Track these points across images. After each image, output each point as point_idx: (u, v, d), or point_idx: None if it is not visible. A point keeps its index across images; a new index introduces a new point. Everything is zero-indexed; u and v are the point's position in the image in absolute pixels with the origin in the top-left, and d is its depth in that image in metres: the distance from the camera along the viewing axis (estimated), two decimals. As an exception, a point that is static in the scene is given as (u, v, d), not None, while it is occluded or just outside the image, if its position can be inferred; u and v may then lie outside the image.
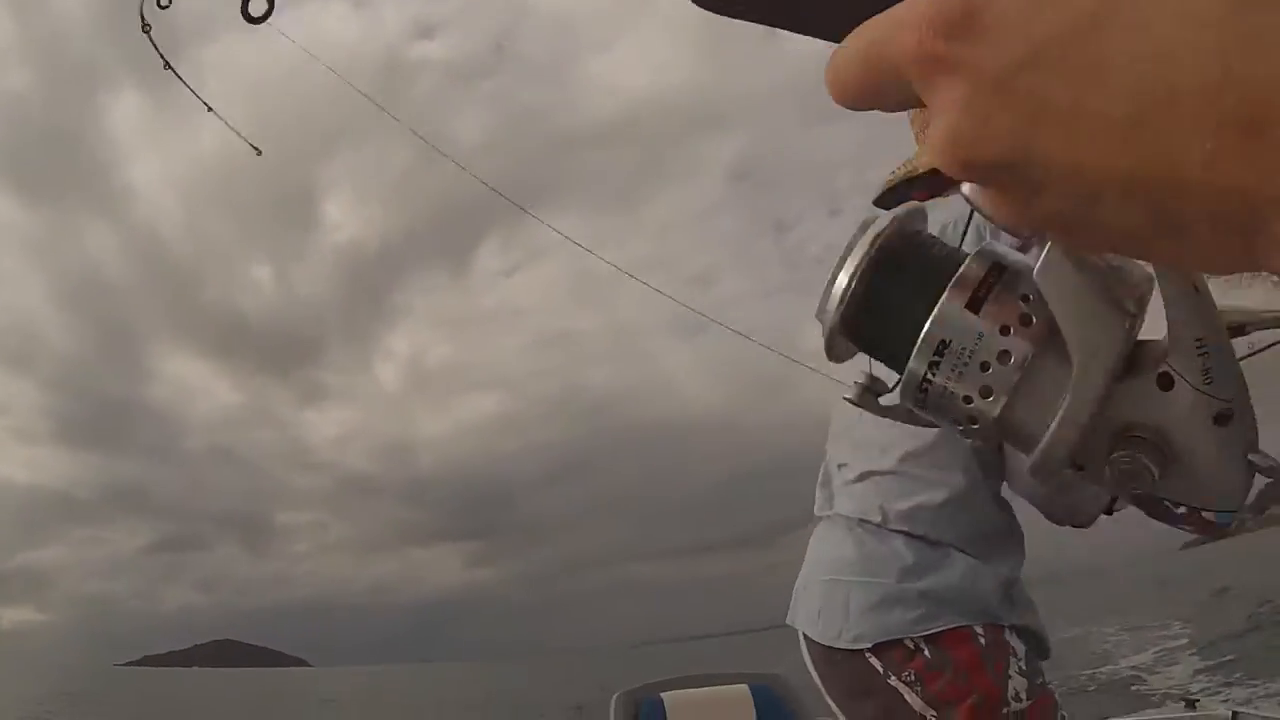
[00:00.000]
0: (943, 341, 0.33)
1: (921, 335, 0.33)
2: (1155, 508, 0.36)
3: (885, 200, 1.54)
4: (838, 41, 0.27)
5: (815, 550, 1.42)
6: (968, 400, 0.33)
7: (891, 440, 1.32)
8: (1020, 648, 1.23)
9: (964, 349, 0.33)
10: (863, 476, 1.34)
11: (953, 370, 0.33)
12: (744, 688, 1.90)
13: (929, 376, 0.33)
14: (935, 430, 1.32)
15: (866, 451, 1.35)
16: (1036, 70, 0.22)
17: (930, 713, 1.19)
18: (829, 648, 1.30)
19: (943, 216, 1.40)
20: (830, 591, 1.32)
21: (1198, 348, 0.31)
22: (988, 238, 1.29)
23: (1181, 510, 0.34)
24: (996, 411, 0.33)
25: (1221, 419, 0.31)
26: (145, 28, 1.03)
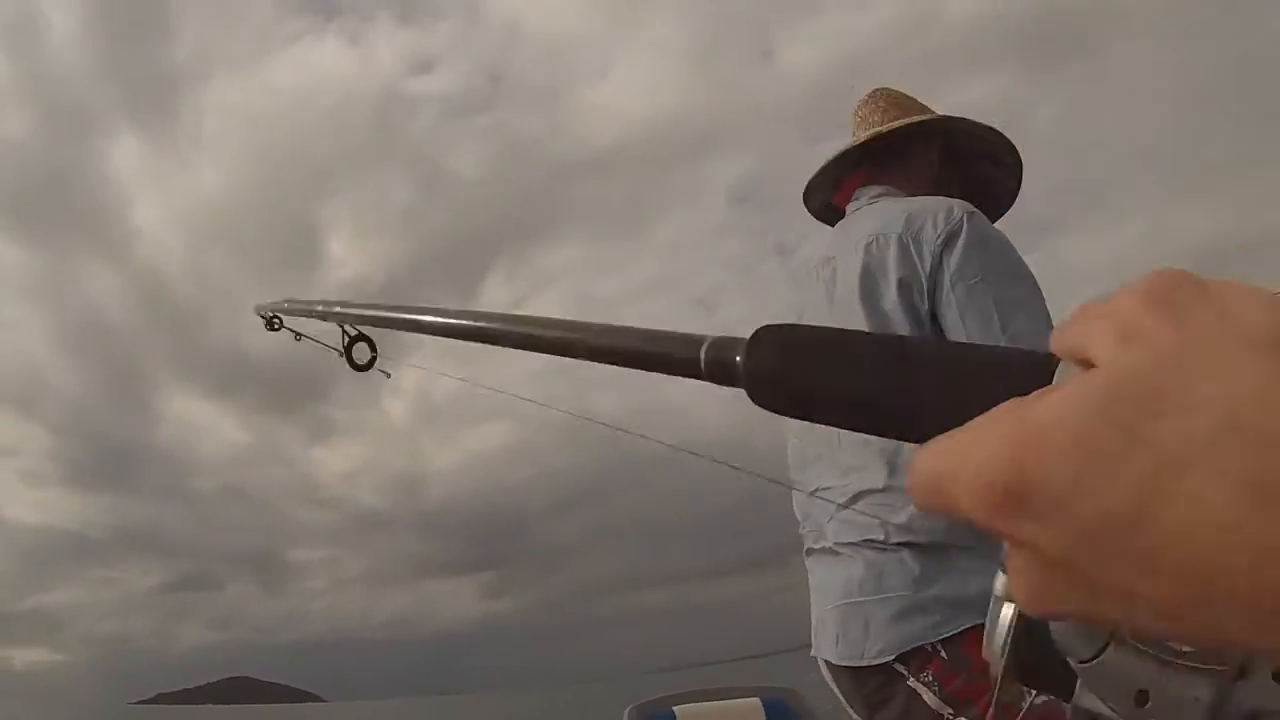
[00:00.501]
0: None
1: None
2: None
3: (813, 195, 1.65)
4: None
5: (820, 581, 1.42)
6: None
7: (874, 458, 1.33)
8: None
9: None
10: (857, 498, 1.34)
11: None
12: (756, 701, 1.90)
13: None
14: (912, 445, 1.35)
15: (857, 474, 1.35)
16: (1089, 553, 0.25)
17: (947, 710, 1.21)
18: (854, 668, 1.30)
19: (870, 227, 1.40)
20: (847, 615, 1.33)
21: None
22: (924, 260, 1.30)
23: None
24: None
25: None
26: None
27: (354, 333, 0.81)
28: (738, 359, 0.40)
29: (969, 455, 0.25)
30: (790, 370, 0.37)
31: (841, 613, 1.33)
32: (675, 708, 1.86)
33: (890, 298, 1.33)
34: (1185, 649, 0.30)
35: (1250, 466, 0.23)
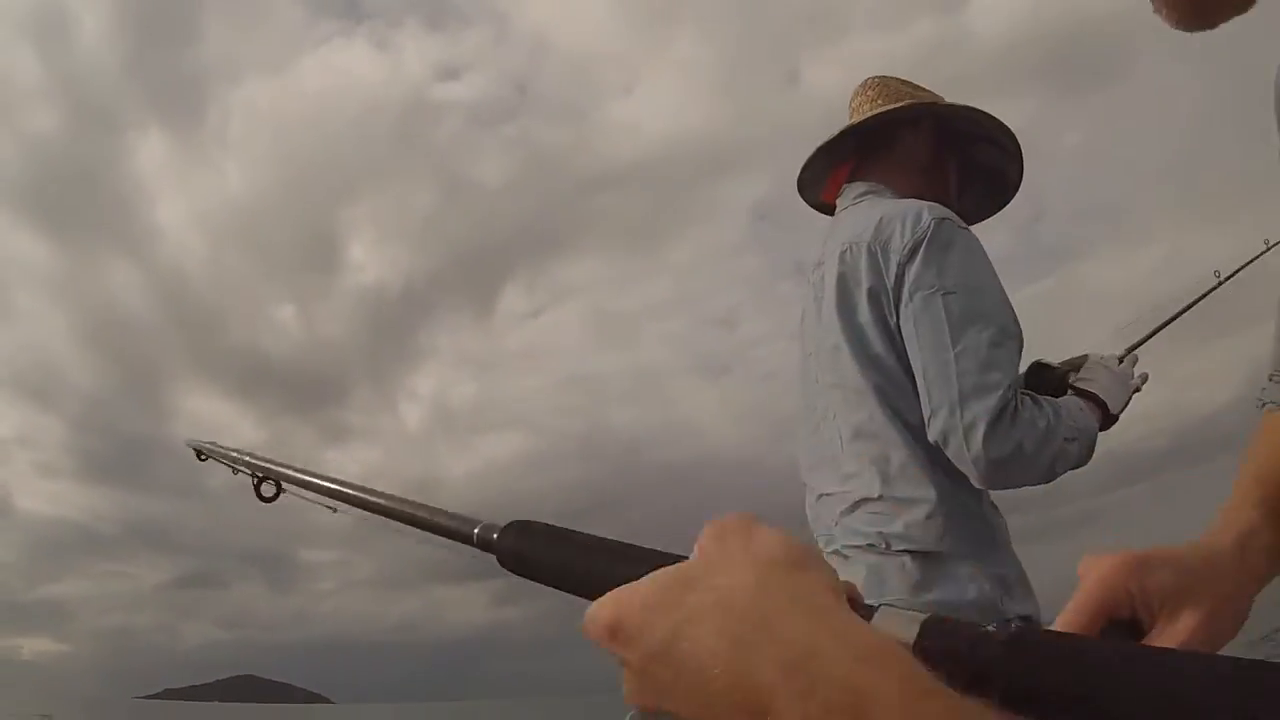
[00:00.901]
0: None
1: None
2: None
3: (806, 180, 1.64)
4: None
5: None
6: None
7: (867, 466, 1.34)
8: None
9: None
10: (856, 506, 1.35)
11: None
12: None
13: None
14: (905, 452, 1.28)
15: (855, 480, 1.36)
16: (654, 663, 0.40)
17: None
18: None
19: (846, 235, 1.40)
20: None
21: None
22: (890, 269, 1.30)
23: None
24: None
25: None
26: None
27: (261, 476, 1.00)
28: (494, 537, 0.60)
29: (598, 606, 0.44)
30: (524, 551, 0.58)
31: None
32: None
33: (864, 309, 1.34)
34: None
35: (730, 625, 0.41)
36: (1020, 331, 1.29)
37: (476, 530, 0.63)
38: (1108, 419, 1.37)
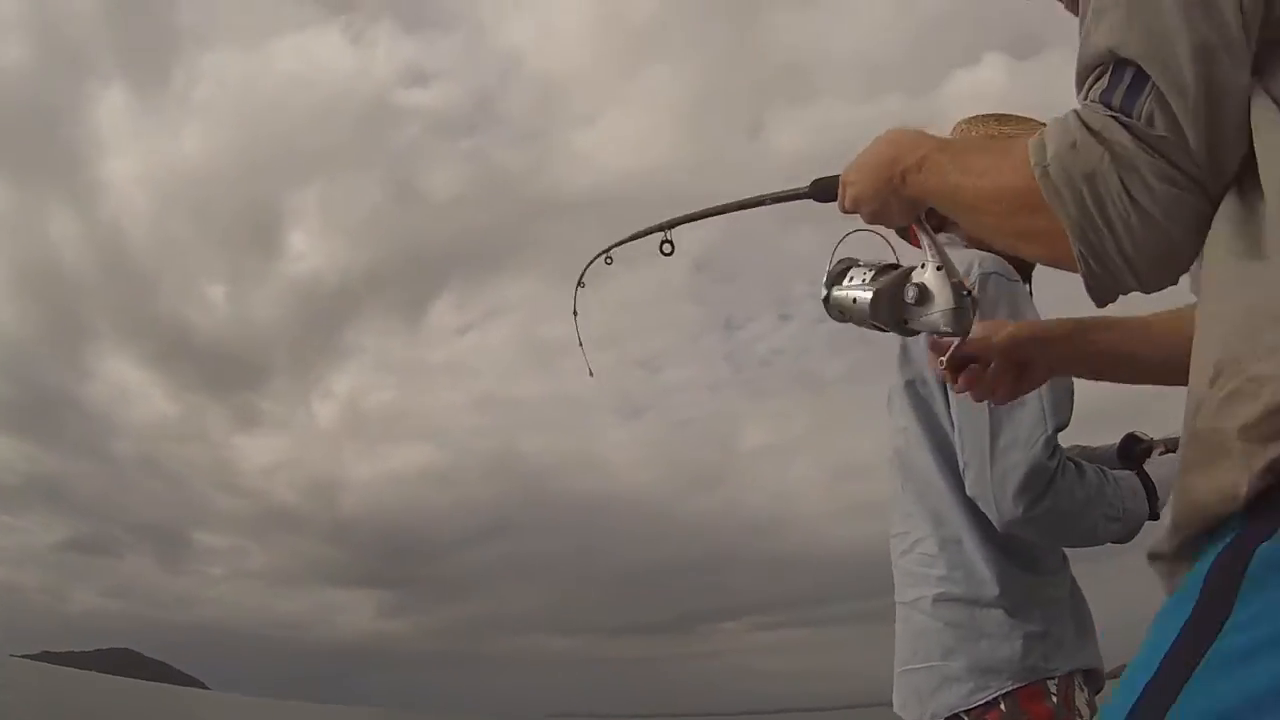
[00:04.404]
0: None
1: None
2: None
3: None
4: None
5: (896, 638, 1.49)
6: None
7: (920, 508, 1.43)
8: (1085, 693, 1.32)
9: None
10: (912, 547, 1.44)
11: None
12: None
13: None
14: (950, 498, 1.38)
15: (911, 521, 1.45)
16: (849, 176, 0.96)
17: None
18: None
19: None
20: (903, 682, 1.44)
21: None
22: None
23: None
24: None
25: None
26: (581, 283, 1.35)
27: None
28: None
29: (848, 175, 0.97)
30: None
31: (901, 680, 1.44)
32: None
33: (919, 355, 1.43)
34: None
35: (871, 154, 0.92)
36: (1068, 387, 1.31)
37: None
38: (1155, 509, 1.35)
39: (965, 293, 0.92)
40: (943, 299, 0.92)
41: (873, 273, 0.98)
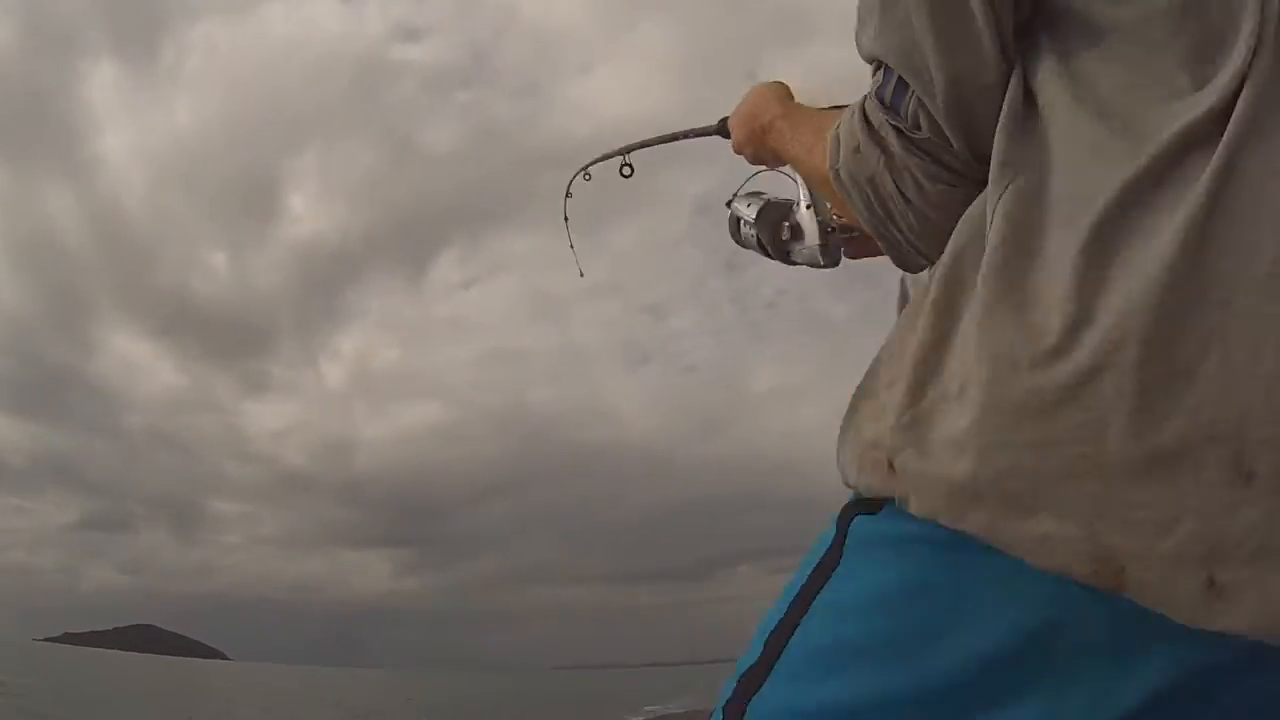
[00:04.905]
0: None
1: None
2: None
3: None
4: None
5: None
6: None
7: None
8: None
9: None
10: None
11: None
12: None
13: None
14: None
15: None
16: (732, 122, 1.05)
17: None
18: None
19: None
20: None
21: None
22: None
23: None
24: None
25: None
26: (569, 194, 1.36)
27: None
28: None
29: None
30: None
31: None
32: None
33: None
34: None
35: (744, 105, 1.01)
36: None
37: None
38: None
39: (830, 229, 1.04)
40: (811, 236, 1.05)
41: (758, 209, 1.10)
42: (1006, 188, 0.58)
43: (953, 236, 0.62)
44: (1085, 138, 0.57)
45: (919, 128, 0.65)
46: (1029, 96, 0.61)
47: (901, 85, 0.66)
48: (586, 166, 1.34)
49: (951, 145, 0.64)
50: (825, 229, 1.04)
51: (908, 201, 0.68)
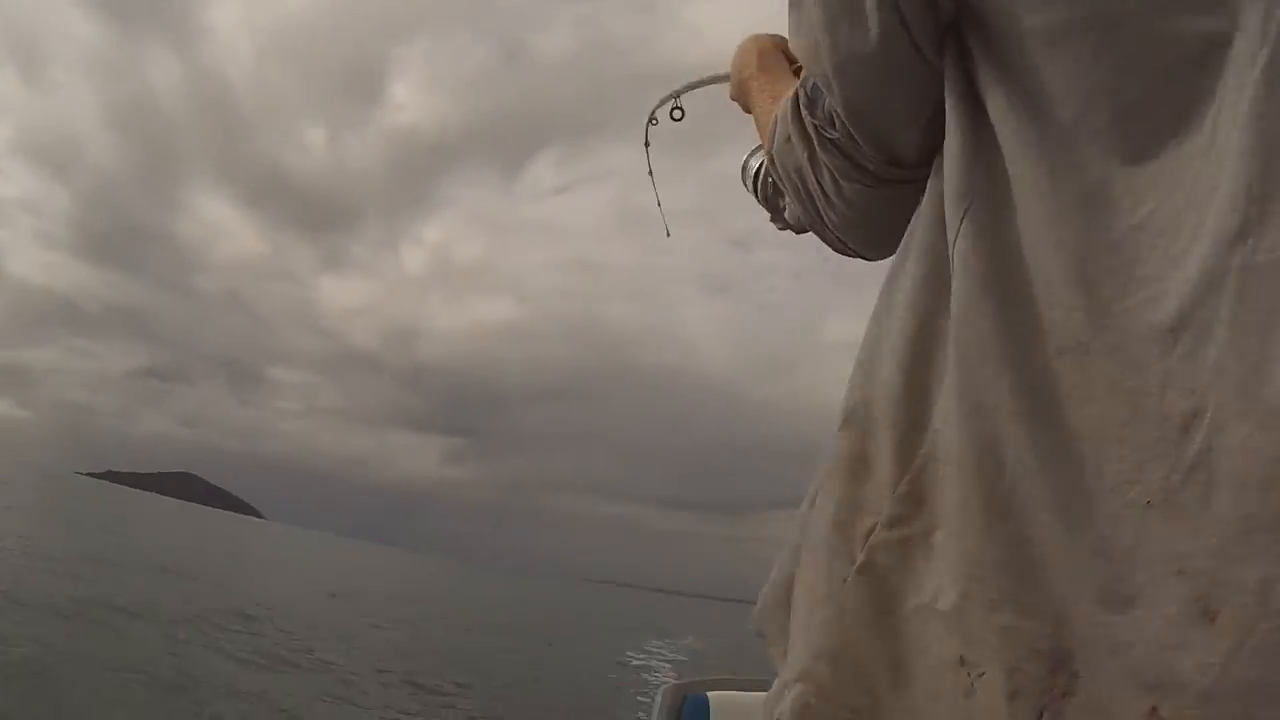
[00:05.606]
0: None
1: None
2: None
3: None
4: None
5: None
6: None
7: None
8: None
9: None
10: None
11: None
12: None
13: None
14: None
15: None
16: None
17: None
18: None
19: None
20: None
21: None
22: None
23: None
24: None
25: None
26: (653, 120, 1.29)
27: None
28: None
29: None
30: None
31: None
32: (710, 693, 1.70)
33: None
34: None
35: (734, 58, 0.91)
36: None
37: None
38: None
39: None
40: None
41: (757, 165, 0.99)
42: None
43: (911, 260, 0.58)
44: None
45: (833, 126, 0.66)
46: (977, 104, 0.55)
47: (818, 86, 0.67)
48: (678, 93, 1.25)
49: (863, 148, 0.64)
50: None
51: (827, 197, 0.69)
